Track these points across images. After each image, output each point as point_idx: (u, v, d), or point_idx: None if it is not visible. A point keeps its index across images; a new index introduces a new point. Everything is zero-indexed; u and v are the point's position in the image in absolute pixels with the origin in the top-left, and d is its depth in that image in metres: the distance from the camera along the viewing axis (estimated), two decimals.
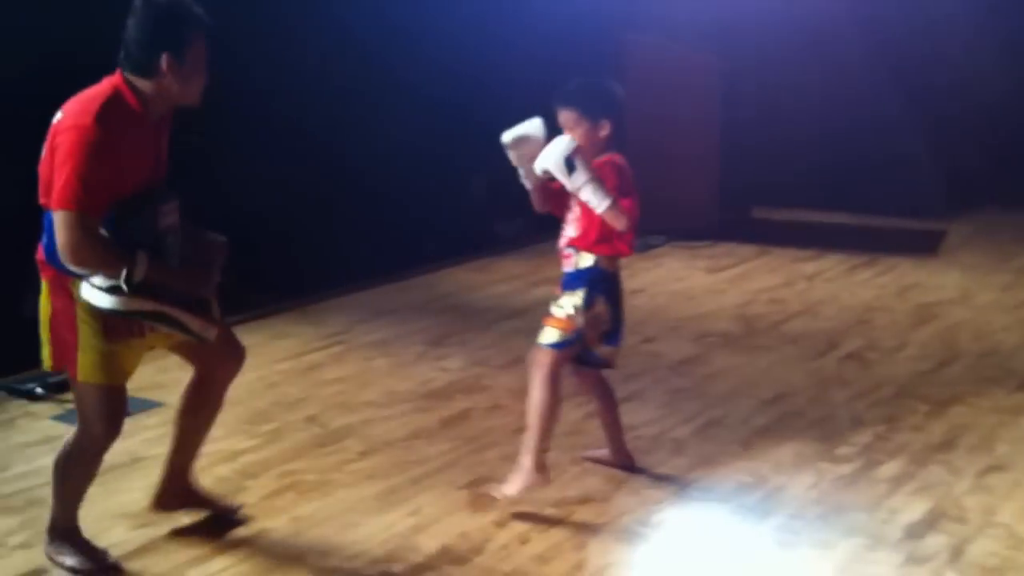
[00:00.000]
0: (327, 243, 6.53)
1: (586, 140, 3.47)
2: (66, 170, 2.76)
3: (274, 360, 5.09)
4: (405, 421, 4.34)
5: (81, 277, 2.87)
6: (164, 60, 2.87)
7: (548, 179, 3.50)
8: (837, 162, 8.18)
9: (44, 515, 3.47)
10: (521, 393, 4.63)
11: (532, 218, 8.00)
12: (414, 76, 7.12)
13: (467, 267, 6.90)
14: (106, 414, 3.01)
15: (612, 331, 3.64)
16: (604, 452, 3.92)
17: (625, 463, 3.88)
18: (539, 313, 5.83)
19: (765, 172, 7.88)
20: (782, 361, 5.13)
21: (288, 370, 4.98)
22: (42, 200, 2.90)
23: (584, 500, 3.66)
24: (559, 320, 3.55)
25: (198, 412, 3.35)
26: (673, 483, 3.81)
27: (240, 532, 3.40)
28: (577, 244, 3.57)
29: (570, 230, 3.59)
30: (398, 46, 7.12)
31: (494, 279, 6.64)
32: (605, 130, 3.50)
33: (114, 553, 3.24)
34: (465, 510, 3.57)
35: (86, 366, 2.95)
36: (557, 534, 3.43)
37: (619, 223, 3.44)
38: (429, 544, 3.34)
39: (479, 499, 3.63)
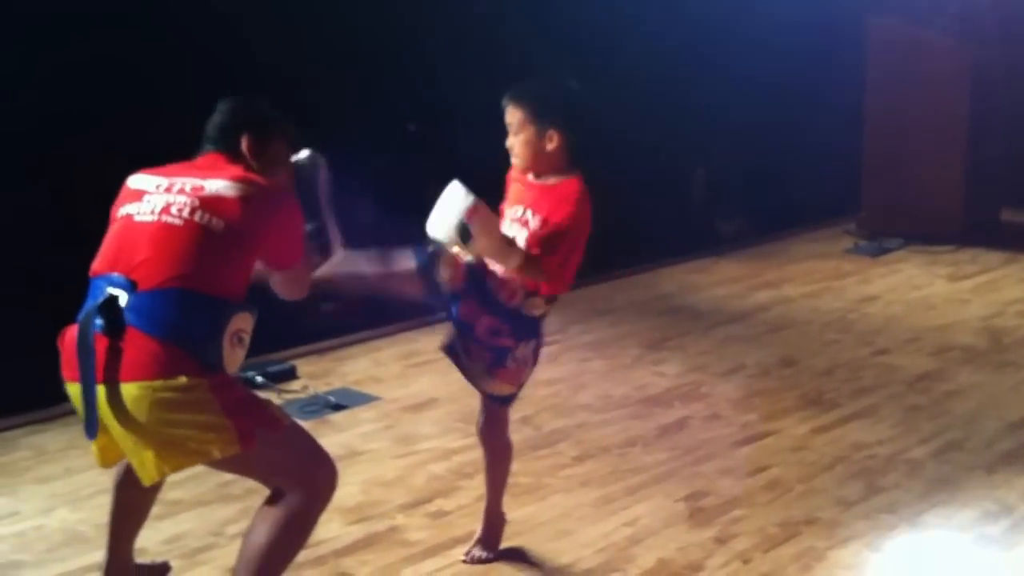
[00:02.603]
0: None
1: (529, 148, 2.95)
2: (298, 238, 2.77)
3: None
4: (621, 427, 4.21)
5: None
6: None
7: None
8: None
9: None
10: (741, 403, 4.45)
11: (753, 217, 7.80)
12: (631, 67, 6.98)
13: (687, 267, 6.69)
14: (315, 449, 2.65)
15: None
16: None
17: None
18: (760, 319, 5.69)
19: (1017, 171, 7.26)
20: None
21: None
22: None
23: (810, 521, 3.43)
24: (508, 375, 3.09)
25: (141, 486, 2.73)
26: (908, 508, 3.52)
27: (455, 533, 3.36)
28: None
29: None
30: (617, 35, 6.99)
31: (714, 280, 6.41)
32: (553, 142, 2.93)
33: (329, 548, 3.27)
34: (684, 523, 3.41)
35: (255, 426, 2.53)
36: (781, 555, 3.22)
37: (538, 278, 2.91)
38: (645, 557, 3.21)
39: (698, 513, 3.46)
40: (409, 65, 6.38)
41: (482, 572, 3.14)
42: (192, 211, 2.53)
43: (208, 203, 2.54)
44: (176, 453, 2.49)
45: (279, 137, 2.81)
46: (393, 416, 4.34)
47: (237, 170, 2.66)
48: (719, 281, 6.40)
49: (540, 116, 2.94)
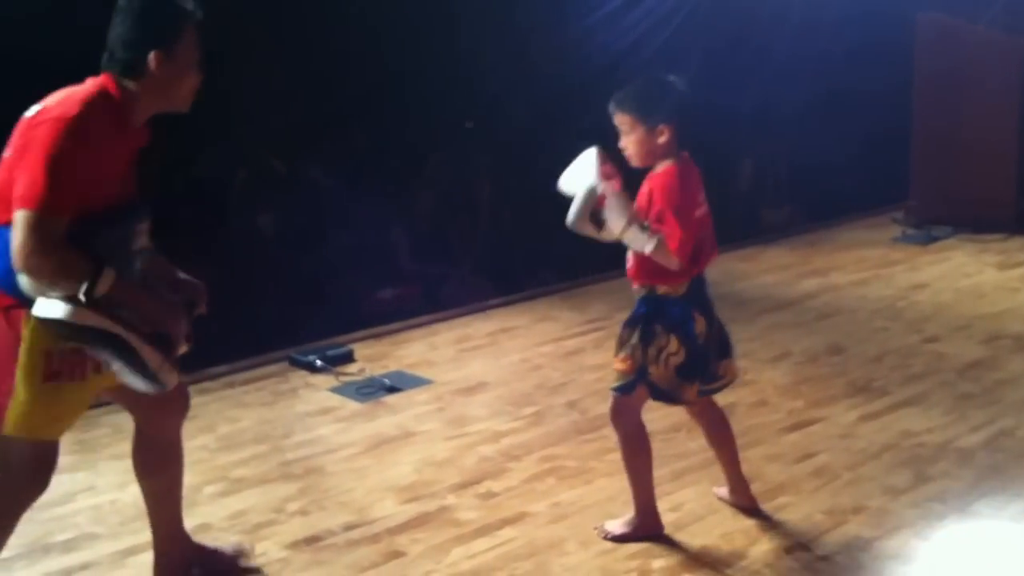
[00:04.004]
0: None
1: (642, 146, 3.08)
2: (36, 165, 2.39)
3: (537, 343, 5.13)
4: (665, 413, 4.21)
5: (26, 301, 2.45)
6: (152, 58, 2.54)
7: None
8: None
9: (320, 483, 3.67)
10: (788, 390, 4.47)
11: (800, 206, 7.78)
12: (677, 58, 6.99)
13: (733, 255, 6.68)
14: (31, 470, 2.59)
15: (685, 363, 3.12)
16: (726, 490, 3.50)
17: (744, 500, 3.44)
18: (807, 306, 5.68)
19: None
20: None
21: (550, 353, 5.00)
22: None
23: (858, 509, 3.45)
24: (620, 360, 3.16)
25: (160, 473, 2.91)
26: (958, 497, 3.52)
27: (504, 514, 3.43)
28: (630, 275, 3.17)
29: (629, 256, 3.16)
30: (662, 28, 7.00)
31: (760, 268, 6.41)
32: (664, 136, 3.06)
33: (383, 526, 3.36)
34: (728, 510, 3.44)
35: (16, 415, 2.50)
36: (827, 543, 3.25)
37: (667, 262, 2.99)
38: (690, 543, 3.25)
39: None
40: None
41: (529, 552, 3.20)
42: None
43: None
44: None
45: None
46: (446, 399, 4.42)
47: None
48: (766, 269, 6.40)
49: (648, 114, 3.07)
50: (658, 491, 3.54)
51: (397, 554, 3.20)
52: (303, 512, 3.47)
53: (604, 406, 4.28)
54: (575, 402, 4.34)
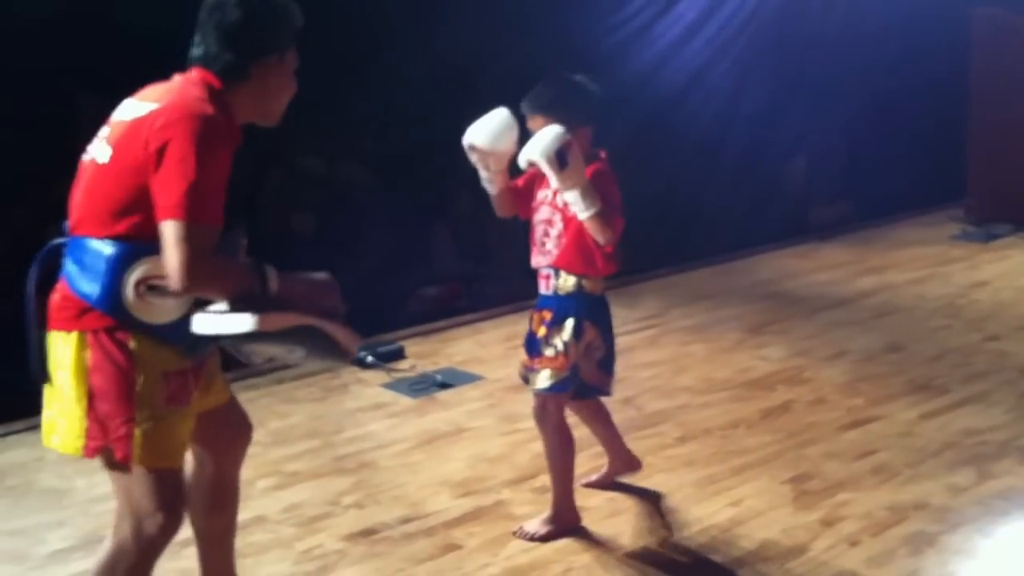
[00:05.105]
0: (644, 225, 6.49)
1: None
2: (179, 170, 2.14)
3: None
4: (724, 409, 4.21)
5: (129, 322, 2.22)
6: (260, 64, 2.32)
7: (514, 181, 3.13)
8: None
9: (374, 477, 3.66)
10: (846, 388, 4.40)
11: (854, 203, 7.67)
12: (729, 55, 6.94)
13: (786, 253, 6.62)
14: (164, 502, 2.29)
15: (606, 357, 3.20)
16: (602, 474, 3.53)
17: (632, 465, 3.52)
18: (863, 304, 5.59)
19: None
20: None
21: None
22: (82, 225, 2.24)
23: (920, 506, 3.38)
24: (551, 359, 3.11)
25: (219, 512, 2.64)
26: (1022, 495, 3.44)
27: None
28: (557, 264, 3.12)
29: (550, 246, 3.13)
30: (719, 24, 6.95)
31: (816, 266, 6.33)
32: (587, 138, 3.03)
33: (438, 519, 3.34)
34: (789, 506, 3.39)
35: (142, 445, 2.24)
36: (889, 538, 3.18)
37: (603, 235, 2.97)
38: (750, 538, 3.20)
39: (803, 495, 3.44)
40: None
41: (585, 546, 3.17)
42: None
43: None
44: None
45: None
46: (496, 395, 4.40)
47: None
48: (821, 267, 6.32)
49: (569, 116, 2.98)
50: (718, 486, 3.53)
51: (453, 547, 3.18)
52: (358, 505, 3.47)
53: (661, 403, 4.28)
54: (630, 399, 4.30)
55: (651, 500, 3.45)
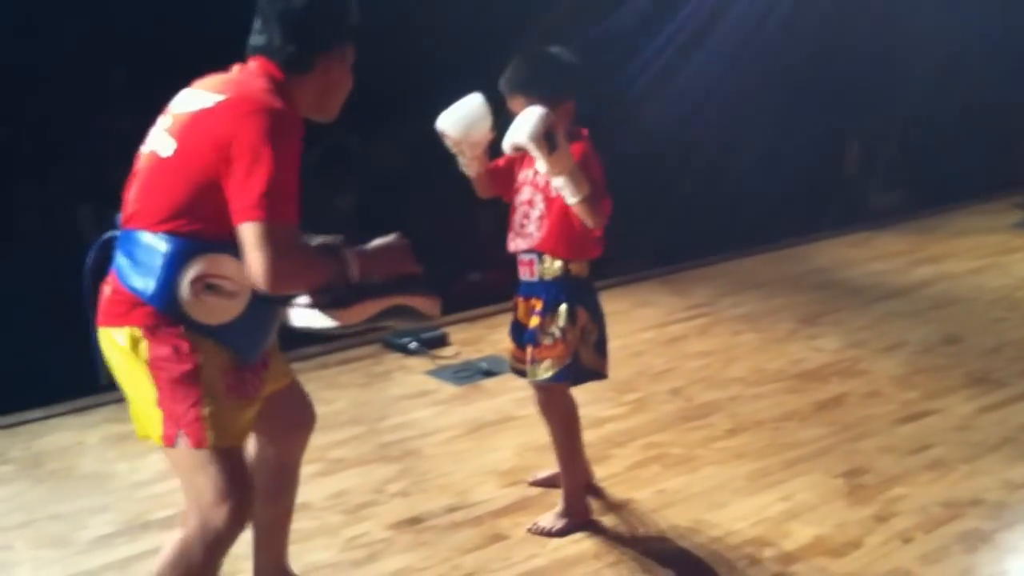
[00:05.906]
0: (693, 210, 6.42)
1: None
2: (260, 169, 2.06)
3: (638, 329, 5.04)
4: (776, 401, 4.13)
5: (180, 318, 2.17)
6: (324, 58, 2.27)
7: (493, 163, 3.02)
8: None
9: (419, 465, 3.65)
10: (902, 380, 4.31)
11: (912, 190, 7.52)
12: (785, 40, 6.82)
13: (841, 241, 6.51)
14: (229, 490, 2.22)
15: (599, 340, 3.10)
16: (555, 473, 3.33)
17: (587, 473, 3.38)
18: (921, 295, 5.48)
19: None
20: None
21: (652, 339, 4.91)
22: (140, 218, 2.19)
23: (976, 502, 3.29)
24: (550, 348, 3.02)
25: (278, 498, 2.60)
26: None
27: (608, 500, 3.37)
28: (541, 248, 3.00)
29: (531, 228, 3.01)
30: (771, 11, 6.84)
31: (871, 255, 6.21)
32: (570, 113, 2.91)
33: (485, 509, 3.32)
34: (842, 500, 3.32)
35: (211, 426, 2.19)
36: (944, 535, 3.11)
37: (592, 219, 2.85)
38: (802, 532, 3.14)
39: (857, 490, 3.37)
40: None
41: (634, 539, 3.13)
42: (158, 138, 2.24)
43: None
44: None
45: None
46: None
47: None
48: (877, 256, 6.20)
49: (550, 93, 2.86)
50: (769, 479, 3.47)
51: (500, 537, 3.16)
52: (404, 494, 3.45)
53: (711, 394, 4.22)
54: (679, 389, 4.25)
55: (702, 493, 3.40)
